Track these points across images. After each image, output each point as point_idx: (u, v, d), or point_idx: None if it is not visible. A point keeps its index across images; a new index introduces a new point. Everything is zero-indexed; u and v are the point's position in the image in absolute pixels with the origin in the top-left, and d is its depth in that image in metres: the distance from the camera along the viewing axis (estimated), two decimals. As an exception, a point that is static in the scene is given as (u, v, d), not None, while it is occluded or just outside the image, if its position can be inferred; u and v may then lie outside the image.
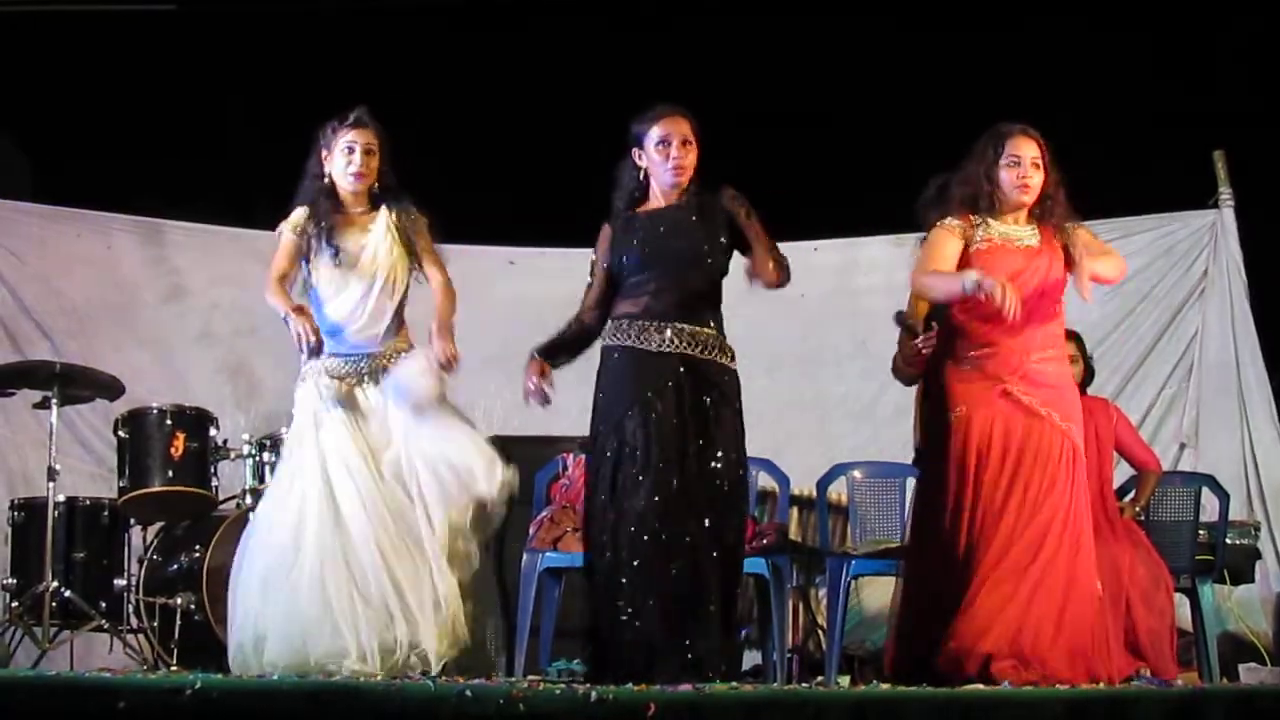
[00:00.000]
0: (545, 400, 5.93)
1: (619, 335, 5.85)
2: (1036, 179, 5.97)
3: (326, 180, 6.17)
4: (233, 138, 8.92)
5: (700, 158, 5.90)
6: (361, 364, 6.11)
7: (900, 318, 6.64)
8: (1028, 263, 5.97)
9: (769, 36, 9.06)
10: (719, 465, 5.75)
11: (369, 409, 6.10)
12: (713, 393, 5.81)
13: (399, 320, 6.21)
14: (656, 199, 5.95)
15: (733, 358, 5.87)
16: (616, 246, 5.91)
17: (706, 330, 5.84)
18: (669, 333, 5.80)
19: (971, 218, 5.99)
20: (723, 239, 5.88)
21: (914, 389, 6.68)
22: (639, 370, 5.79)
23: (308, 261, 6.14)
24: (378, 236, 6.15)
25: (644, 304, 5.84)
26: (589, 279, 6.01)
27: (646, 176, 5.92)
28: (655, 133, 5.87)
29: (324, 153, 6.17)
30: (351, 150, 6.12)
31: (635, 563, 5.65)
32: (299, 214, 6.16)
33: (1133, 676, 6.55)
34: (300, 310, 5.96)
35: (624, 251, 5.89)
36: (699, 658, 5.57)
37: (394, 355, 6.14)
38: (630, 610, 5.63)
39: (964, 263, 5.93)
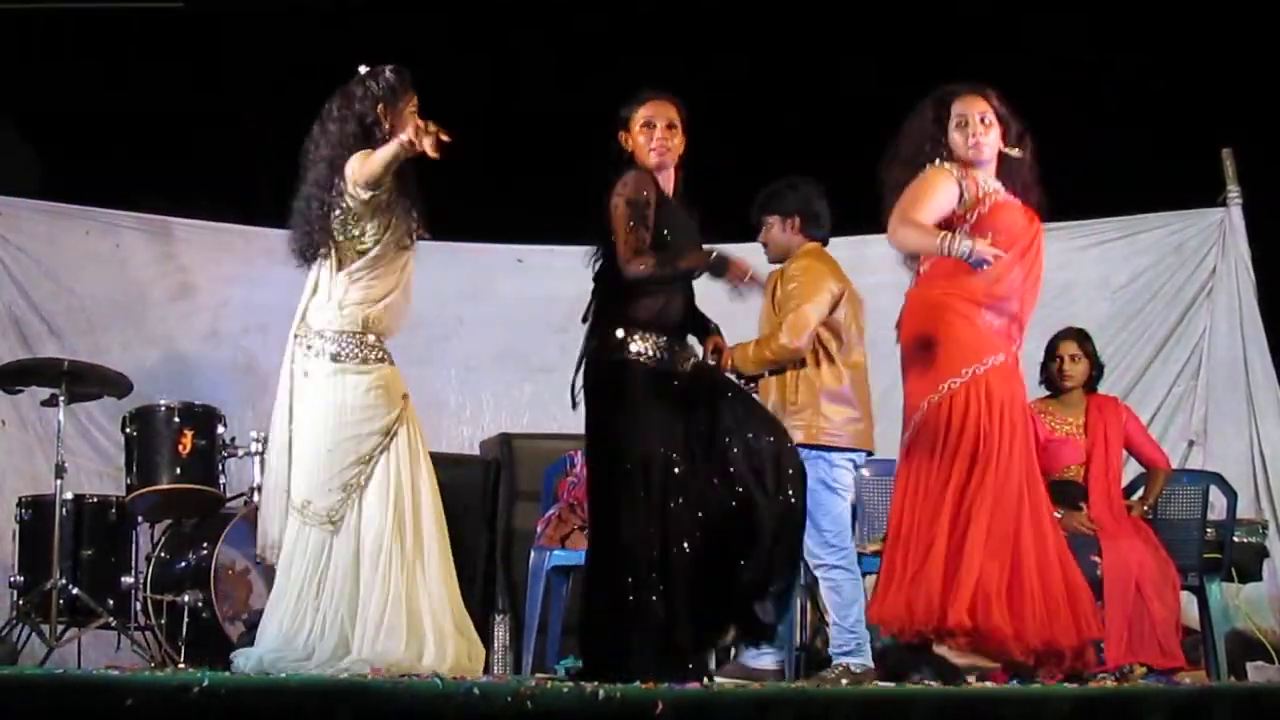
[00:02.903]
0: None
1: (637, 350, 5.68)
2: (990, 137, 5.82)
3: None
4: (241, 135, 8.92)
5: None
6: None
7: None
8: (1028, 222, 5.91)
9: (776, 32, 9.05)
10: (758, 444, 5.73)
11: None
12: (726, 394, 5.84)
13: None
14: None
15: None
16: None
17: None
18: (683, 349, 5.80)
19: (967, 167, 5.81)
20: None
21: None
22: (666, 398, 5.69)
23: (379, 215, 5.78)
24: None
25: (656, 311, 5.73)
26: (643, 220, 5.70)
27: (631, 160, 5.85)
28: (640, 115, 5.82)
29: (381, 105, 5.82)
30: (418, 115, 5.78)
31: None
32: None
33: (1128, 668, 6.56)
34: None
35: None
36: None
37: None
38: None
39: (976, 221, 5.76)
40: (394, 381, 5.88)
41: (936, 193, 5.78)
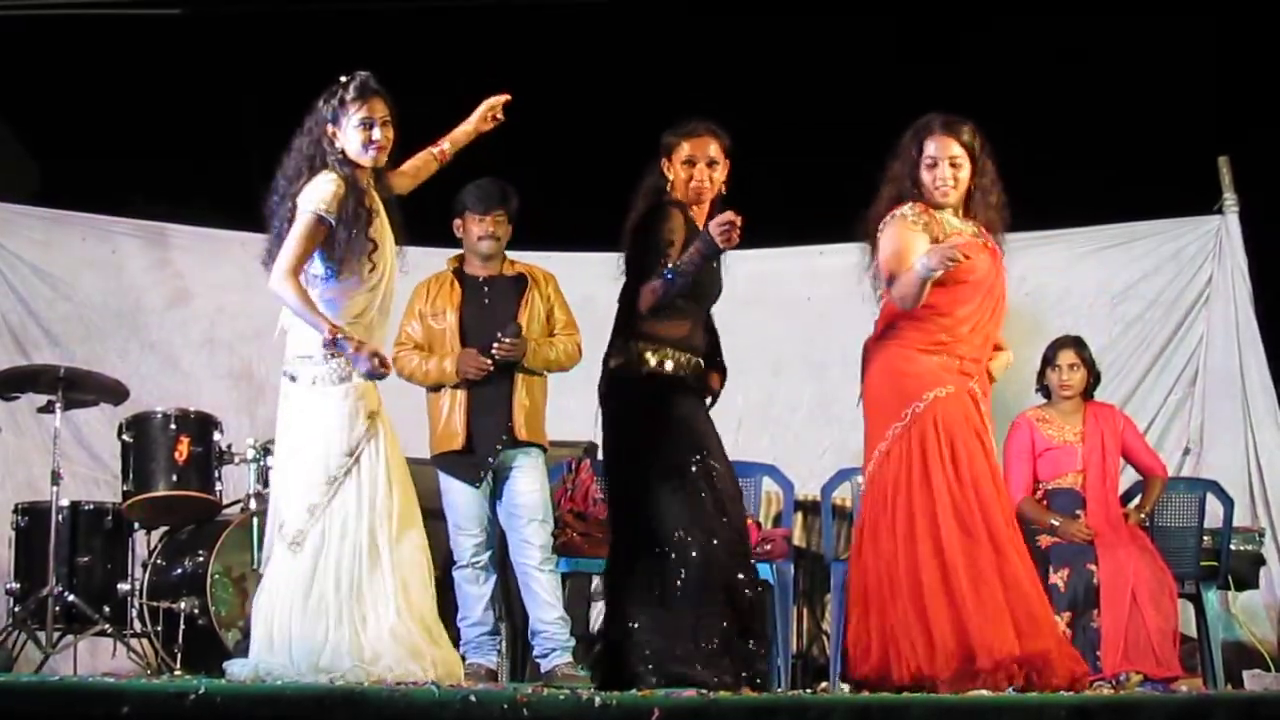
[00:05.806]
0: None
1: (661, 364, 5.81)
2: (959, 177, 5.87)
3: (342, 155, 5.72)
4: (237, 141, 8.91)
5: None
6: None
7: None
8: (994, 262, 5.93)
9: (779, 40, 9.06)
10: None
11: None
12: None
13: None
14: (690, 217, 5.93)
15: None
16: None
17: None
18: (703, 371, 5.93)
19: (930, 209, 5.87)
20: None
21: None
22: (691, 408, 5.84)
23: (326, 249, 5.65)
24: (383, 217, 5.83)
25: (682, 335, 5.85)
26: (666, 252, 5.75)
27: (669, 190, 5.93)
28: (683, 150, 5.91)
29: (330, 127, 5.74)
30: (369, 125, 5.72)
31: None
32: (331, 191, 5.63)
33: (1124, 677, 6.55)
34: (350, 336, 5.57)
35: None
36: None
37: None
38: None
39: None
40: (366, 396, 5.70)
41: (910, 245, 5.80)
